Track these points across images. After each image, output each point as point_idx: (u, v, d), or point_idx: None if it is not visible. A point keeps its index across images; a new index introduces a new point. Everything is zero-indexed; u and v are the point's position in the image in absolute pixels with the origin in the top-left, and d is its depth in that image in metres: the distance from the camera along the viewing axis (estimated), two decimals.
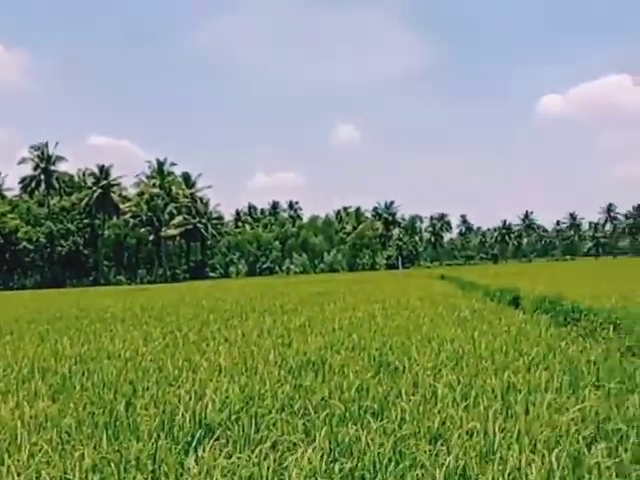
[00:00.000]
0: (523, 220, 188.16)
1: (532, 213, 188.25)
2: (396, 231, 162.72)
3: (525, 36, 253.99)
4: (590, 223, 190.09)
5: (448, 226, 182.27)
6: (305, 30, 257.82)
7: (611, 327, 12.02)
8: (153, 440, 5.53)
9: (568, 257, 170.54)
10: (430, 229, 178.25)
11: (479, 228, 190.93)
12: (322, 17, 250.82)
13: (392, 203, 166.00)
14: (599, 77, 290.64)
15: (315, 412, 6.23)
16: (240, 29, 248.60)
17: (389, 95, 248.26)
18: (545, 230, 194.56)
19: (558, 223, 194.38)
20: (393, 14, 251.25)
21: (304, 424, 5.97)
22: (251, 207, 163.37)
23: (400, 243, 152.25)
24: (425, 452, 5.10)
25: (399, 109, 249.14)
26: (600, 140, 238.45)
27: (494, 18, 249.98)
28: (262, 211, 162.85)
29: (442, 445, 5.25)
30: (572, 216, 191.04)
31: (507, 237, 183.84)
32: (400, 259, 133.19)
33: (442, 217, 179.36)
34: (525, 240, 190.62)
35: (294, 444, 5.45)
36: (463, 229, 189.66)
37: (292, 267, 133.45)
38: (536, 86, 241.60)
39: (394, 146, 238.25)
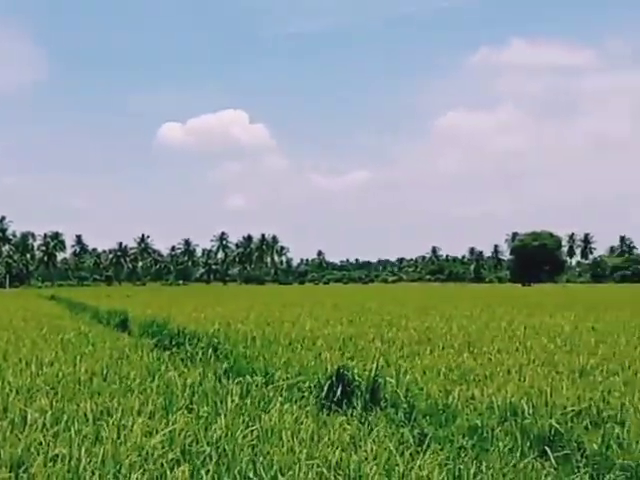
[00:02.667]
0: (139, 243, 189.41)
1: (148, 237, 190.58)
2: (6, 248, 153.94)
3: (147, 63, 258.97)
4: (204, 250, 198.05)
5: (62, 245, 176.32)
6: None
7: (211, 351, 12.58)
8: None
9: (181, 282, 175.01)
10: (43, 248, 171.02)
11: (95, 249, 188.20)
12: None
13: (3, 218, 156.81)
14: (218, 110, 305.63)
15: None
16: None
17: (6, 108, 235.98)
18: (161, 255, 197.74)
19: (173, 249, 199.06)
20: (12, 23, 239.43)
21: None
22: None
23: (10, 261, 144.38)
24: None
25: (14, 122, 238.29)
26: (216, 170, 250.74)
27: (126, 45, 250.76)
28: None
29: (24, 472, 5.08)
30: (187, 242, 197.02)
31: (123, 259, 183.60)
32: (8, 278, 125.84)
33: (56, 236, 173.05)
34: (140, 263, 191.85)
35: None
36: (78, 249, 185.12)
37: None
38: (157, 113, 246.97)
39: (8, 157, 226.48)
